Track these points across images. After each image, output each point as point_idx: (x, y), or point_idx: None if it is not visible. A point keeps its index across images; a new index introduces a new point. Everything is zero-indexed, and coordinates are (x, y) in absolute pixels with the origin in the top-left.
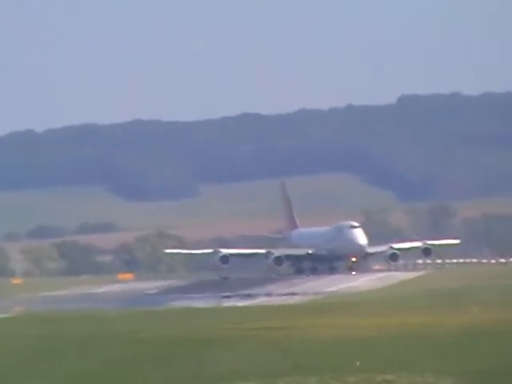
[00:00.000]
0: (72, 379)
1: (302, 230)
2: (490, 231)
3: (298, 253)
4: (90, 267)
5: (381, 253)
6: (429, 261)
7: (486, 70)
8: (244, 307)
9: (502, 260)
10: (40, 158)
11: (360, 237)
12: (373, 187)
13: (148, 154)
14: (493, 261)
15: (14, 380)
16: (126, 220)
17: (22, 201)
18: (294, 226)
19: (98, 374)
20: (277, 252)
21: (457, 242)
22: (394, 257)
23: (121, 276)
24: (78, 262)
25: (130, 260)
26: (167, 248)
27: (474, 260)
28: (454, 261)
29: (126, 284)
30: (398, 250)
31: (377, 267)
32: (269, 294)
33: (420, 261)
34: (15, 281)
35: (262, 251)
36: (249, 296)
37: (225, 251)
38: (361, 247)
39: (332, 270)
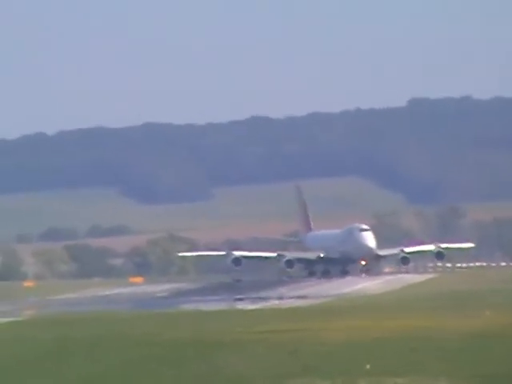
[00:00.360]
0: (83, 381)
1: (315, 232)
2: (501, 235)
3: (309, 256)
4: (102, 270)
5: (392, 256)
6: (439, 263)
7: (497, 73)
8: (256, 310)
9: None
10: (51, 160)
11: (369, 239)
12: (383, 190)
13: (159, 156)
14: (503, 263)
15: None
16: (138, 223)
17: (34, 203)
18: (309, 228)
19: (108, 376)
20: (288, 255)
21: (471, 245)
22: (405, 260)
23: (132, 279)
24: (90, 264)
25: (141, 263)
26: (179, 251)
27: (485, 264)
28: (465, 264)
29: (137, 287)
30: (411, 253)
31: (387, 270)
32: (280, 297)
33: (431, 264)
34: (27, 284)
35: (274, 254)
36: (261, 299)
37: (237, 253)
38: (370, 250)
39: (344, 273)
